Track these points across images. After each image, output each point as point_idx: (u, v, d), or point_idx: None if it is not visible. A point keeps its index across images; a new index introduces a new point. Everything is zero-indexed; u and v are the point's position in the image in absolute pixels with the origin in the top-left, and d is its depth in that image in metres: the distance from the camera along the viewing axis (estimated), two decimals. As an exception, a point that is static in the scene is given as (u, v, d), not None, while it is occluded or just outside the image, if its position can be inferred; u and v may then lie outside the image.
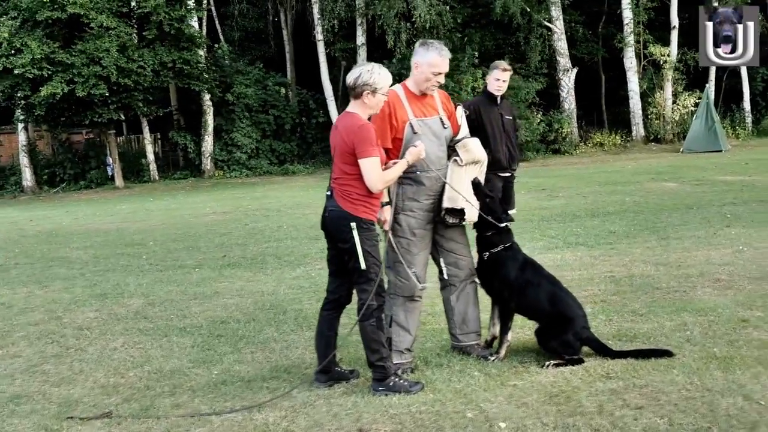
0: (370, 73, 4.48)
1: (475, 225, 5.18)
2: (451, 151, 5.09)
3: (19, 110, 24.57)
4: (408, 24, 25.77)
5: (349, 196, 4.50)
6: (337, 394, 4.61)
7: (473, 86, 26.01)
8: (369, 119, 4.65)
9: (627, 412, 4.02)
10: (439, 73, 4.94)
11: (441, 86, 5.09)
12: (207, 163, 27.46)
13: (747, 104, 30.33)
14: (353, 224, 4.46)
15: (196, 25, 27.09)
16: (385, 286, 4.71)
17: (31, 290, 8.46)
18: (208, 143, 27.41)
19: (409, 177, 4.93)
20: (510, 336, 5.12)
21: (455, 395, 4.43)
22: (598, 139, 29.06)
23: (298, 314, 6.59)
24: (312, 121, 29.14)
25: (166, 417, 4.39)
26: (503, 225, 5.13)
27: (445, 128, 5.07)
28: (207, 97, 27.00)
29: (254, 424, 4.21)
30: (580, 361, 4.85)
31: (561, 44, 28.16)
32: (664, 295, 6.50)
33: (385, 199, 4.92)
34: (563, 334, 4.87)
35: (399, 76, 25.61)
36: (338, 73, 28.71)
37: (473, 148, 5.10)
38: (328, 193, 4.63)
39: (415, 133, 4.90)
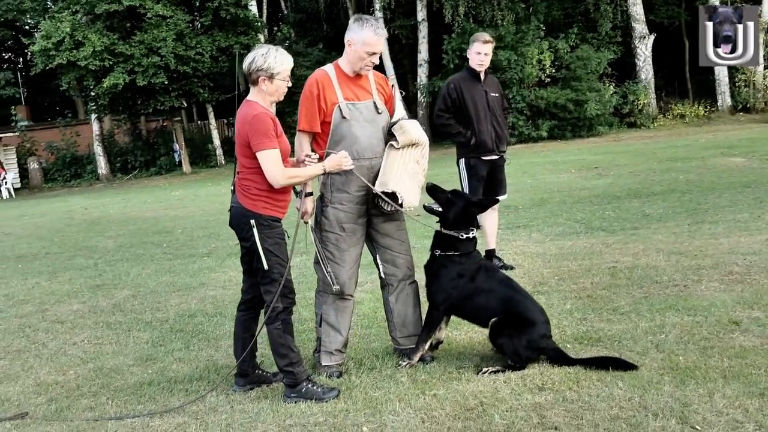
0: (265, 57, 4.10)
1: (440, 220, 4.75)
2: (389, 136, 4.64)
3: (90, 102, 25.40)
4: (467, -4, 24.99)
5: (248, 191, 4.17)
6: (248, 399, 4.33)
7: (539, 59, 25.01)
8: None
9: (535, 433, 3.54)
10: (374, 53, 4.49)
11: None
12: (271, 146, 27.65)
13: None
14: (252, 221, 4.13)
15: (254, 9, 27.14)
16: (293, 286, 4.34)
17: (39, 281, 8.57)
18: (271, 126, 27.58)
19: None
20: (427, 345, 4.68)
21: (366, 405, 4.05)
22: (679, 111, 27.46)
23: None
24: (374, 100, 28.81)
25: (72, 420, 4.22)
26: (467, 236, 4.67)
27: (379, 113, 4.62)
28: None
29: (148, 431, 3.98)
30: (521, 368, 4.36)
31: (636, 9, 26.63)
32: (660, 290, 5.85)
33: (308, 189, 4.56)
34: (516, 336, 4.37)
35: (459, 51, 25.05)
36: (399, 51, 28.21)
37: (410, 129, 4.60)
38: (232, 188, 4.31)
39: (344, 117, 4.49)
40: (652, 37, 26.99)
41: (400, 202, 4.46)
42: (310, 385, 4.22)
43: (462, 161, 6.85)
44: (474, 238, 4.72)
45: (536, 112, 26.00)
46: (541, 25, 25.85)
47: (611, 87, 26.23)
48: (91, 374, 5.05)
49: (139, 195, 20.02)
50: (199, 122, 32.46)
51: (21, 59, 38.75)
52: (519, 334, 4.40)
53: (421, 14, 27.11)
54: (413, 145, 4.61)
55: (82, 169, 29.21)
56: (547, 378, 4.20)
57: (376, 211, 4.64)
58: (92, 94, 24.42)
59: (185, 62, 23.27)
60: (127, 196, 20.33)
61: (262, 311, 4.42)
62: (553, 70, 25.72)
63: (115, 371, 5.06)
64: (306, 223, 4.58)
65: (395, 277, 4.76)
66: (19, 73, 36.83)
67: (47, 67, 23.94)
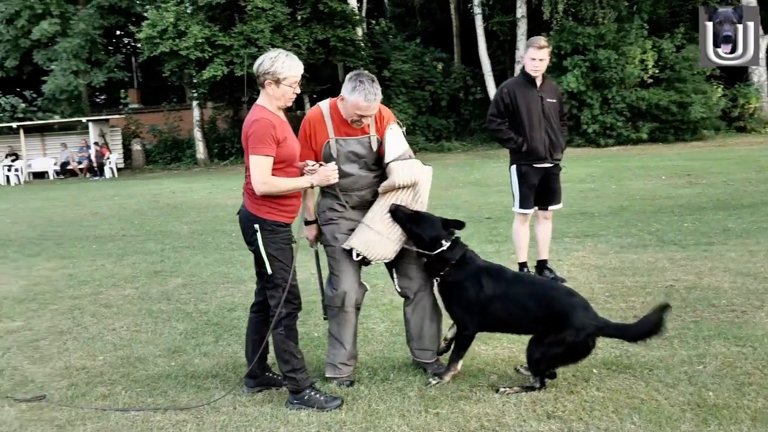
0: (272, 61, 4.01)
1: (418, 254, 4.54)
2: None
3: (192, 89, 26.30)
4: (566, -8, 24.21)
5: (253, 196, 4.10)
6: (253, 402, 4.28)
7: (642, 59, 23.99)
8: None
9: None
10: (363, 116, 4.33)
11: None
12: (364, 139, 27.92)
13: None
14: (256, 226, 4.07)
15: (353, 2, 27.29)
16: (299, 292, 4.26)
17: (104, 264, 8.88)
18: (364, 119, 27.83)
19: (330, 192, 4.53)
20: (459, 365, 4.45)
21: (365, 418, 3.93)
22: (796, 116, 25.70)
23: (312, 307, 6.07)
24: (469, 97, 28.46)
25: (82, 407, 4.30)
26: (435, 252, 4.41)
27: (372, 150, 4.48)
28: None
29: (146, 426, 4.00)
30: (532, 389, 4.16)
31: (751, 2, 25.04)
32: (714, 314, 5.43)
33: (312, 218, 4.56)
34: (559, 337, 4.12)
35: (558, 49, 24.40)
36: (497, 48, 27.72)
37: (396, 172, 4.39)
38: (243, 190, 4.28)
39: (331, 154, 4.41)
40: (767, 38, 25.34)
41: (357, 258, 4.39)
42: (313, 393, 4.15)
43: (513, 167, 6.59)
44: (453, 244, 4.43)
45: (636, 114, 24.98)
46: (645, 24, 24.74)
47: (719, 89, 24.84)
48: (117, 362, 5.14)
49: (229, 181, 20.50)
50: (297, 112, 33.04)
51: (140, 44, 40.50)
52: (560, 331, 4.11)
53: (521, 11, 26.49)
54: (400, 188, 4.44)
55: (182, 152, 30.14)
56: (560, 404, 3.96)
57: None
58: (194, 81, 25.23)
59: (282, 54, 23.76)
60: (217, 182, 20.88)
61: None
62: (657, 71, 24.61)
63: (141, 361, 5.13)
64: (312, 247, 4.59)
65: (410, 289, 4.62)
66: (134, 58, 38.40)
67: (152, 55, 25.00)
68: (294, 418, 4.00)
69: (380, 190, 4.46)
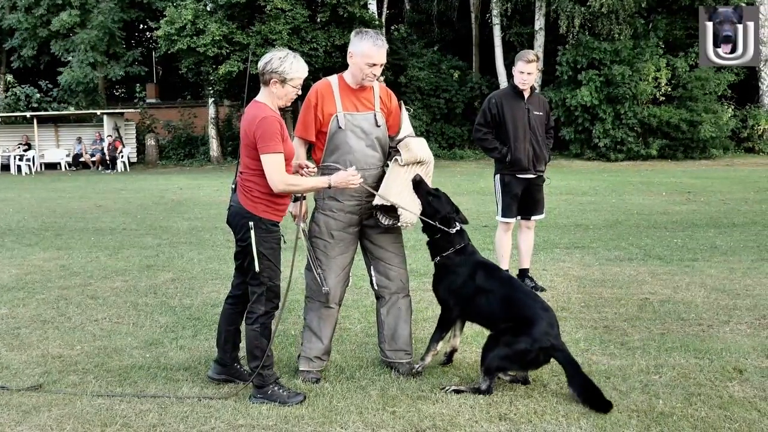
0: (281, 60, 4.11)
1: (424, 228, 4.73)
2: (394, 151, 4.64)
3: (208, 86, 26.53)
4: (583, 8, 24.26)
5: (249, 193, 4.19)
6: (219, 394, 4.37)
7: (655, 77, 24.05)
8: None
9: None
10: (374, 65, 4.45)
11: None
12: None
13: None
14: (251, 223, 4.16)
15: (373, 7, 27.45)
16: (279, 292, 4.36)
17: (99, 256, 9.01)
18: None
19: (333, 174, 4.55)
20: (439, 346, 4.66)
21: (323, 414, 4.04)
22: (804, 139, 25.70)
23: (293, 306, 6.17)
24: (484, 107, 28.68)
25: (54, 393, 4.40)
26: (454, 229, 4.63)
27: (378, 126, 4.62)
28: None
29: (110, 414, 4.09)
30: (482, 392, 4.25)
31: (764, 31, 25.03)
32: (681, 327, 5.55)
33: (301, 194, 4.58)
34: (514, 343, 4.22)
35: (573, 63, 24.58)
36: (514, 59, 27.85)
37: (415, 147, 4.59)
38: (233, 186, 4.38)
39: (340, 127, 4.51)
40: (780, 61, 25.39)
41: (399, 214, 4.46)
42: (276, 388, 4.25)
43: (497, 177, 6.74)
44: (461, 230, 4.67)
45: (647, 130, 25.08)
46: (660, 42, 24.82)
47: (730, 110, 24.89)
48: (94, 352, 5.22)
49: (236, 181, 20.78)
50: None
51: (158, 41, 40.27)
52: (517, 335, 4.23)
53: (539, 23, 26.60)
54: (418, 162, 4.60)
55: (195, 149, 30.20)
56: (514, 407, 4.07)
57: (372, 221, 4.64)
58: (210, 78, 25.42)
59: (298, 55, 24.02)
60: (227, 180, 20.84)
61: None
62: (669, 89, 24.67)
63: (117, 351, 5.22)
64: (297, 225, 4.61)
65: (387, 289, 4.74)
66: (153, 53, 38.40)
67: (169, 51, 25.24)
68: (255, 411, 4.10)
69: (401, 161, 4.53)
